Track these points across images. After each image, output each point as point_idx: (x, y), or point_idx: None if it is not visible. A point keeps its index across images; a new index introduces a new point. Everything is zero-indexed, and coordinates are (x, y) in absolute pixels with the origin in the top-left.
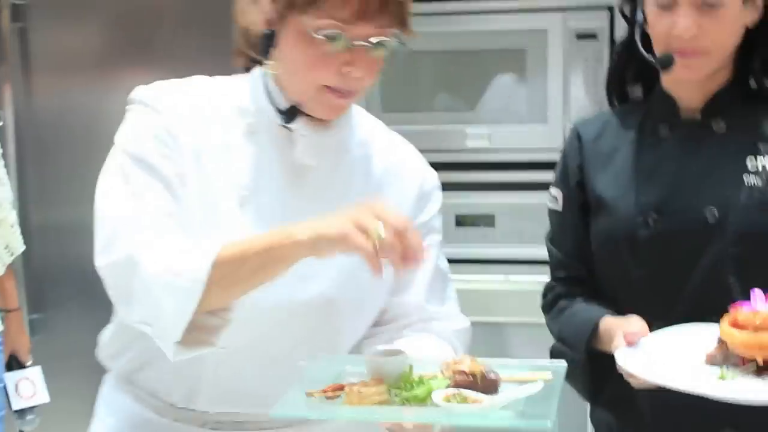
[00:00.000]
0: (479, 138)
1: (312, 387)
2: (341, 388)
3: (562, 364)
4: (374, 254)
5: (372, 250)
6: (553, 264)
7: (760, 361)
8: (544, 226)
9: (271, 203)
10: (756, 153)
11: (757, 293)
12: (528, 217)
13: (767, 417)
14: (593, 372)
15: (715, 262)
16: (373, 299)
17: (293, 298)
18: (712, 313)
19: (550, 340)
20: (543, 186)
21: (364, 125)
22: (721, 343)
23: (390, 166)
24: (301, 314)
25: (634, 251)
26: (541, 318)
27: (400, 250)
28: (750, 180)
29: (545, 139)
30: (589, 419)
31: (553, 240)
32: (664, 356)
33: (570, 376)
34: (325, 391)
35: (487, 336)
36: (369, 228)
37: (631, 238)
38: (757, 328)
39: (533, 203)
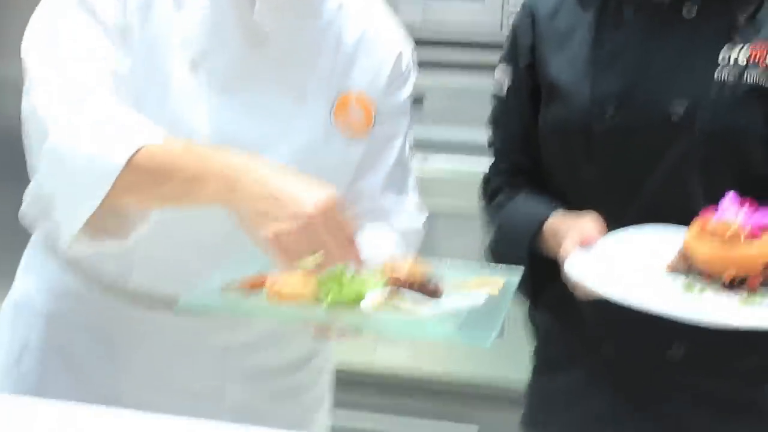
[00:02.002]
0: (411, 13)
1: (235, 276)
2: (263, 281)
3: (516, 271)
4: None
5: (292, 268)
6: (495, 152)
7: (726, 279)
8: (477, 109)
9: (225, 69)
10: (729, 43)
11: (729, 198)
12: (460, 99)
13: (719, 334)
14: (534, 274)
15: (678, 163)
16: (333, 182)
17: None
18: (670, 221)
19: (479, 232)
20: (477, 67)
21: None
22: (685, 253)
23: (364, 37)
24: None
25: (588, 146)
26: (467, 208)
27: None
28: (721, 74)
29: (482, 17)
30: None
31: (495, 125)
32: (619, 264)
33: None
34: (244, 284)
35: None
36: (300, 259)
37: (585, 131)
38: (727, 241)
39: (466, 84)
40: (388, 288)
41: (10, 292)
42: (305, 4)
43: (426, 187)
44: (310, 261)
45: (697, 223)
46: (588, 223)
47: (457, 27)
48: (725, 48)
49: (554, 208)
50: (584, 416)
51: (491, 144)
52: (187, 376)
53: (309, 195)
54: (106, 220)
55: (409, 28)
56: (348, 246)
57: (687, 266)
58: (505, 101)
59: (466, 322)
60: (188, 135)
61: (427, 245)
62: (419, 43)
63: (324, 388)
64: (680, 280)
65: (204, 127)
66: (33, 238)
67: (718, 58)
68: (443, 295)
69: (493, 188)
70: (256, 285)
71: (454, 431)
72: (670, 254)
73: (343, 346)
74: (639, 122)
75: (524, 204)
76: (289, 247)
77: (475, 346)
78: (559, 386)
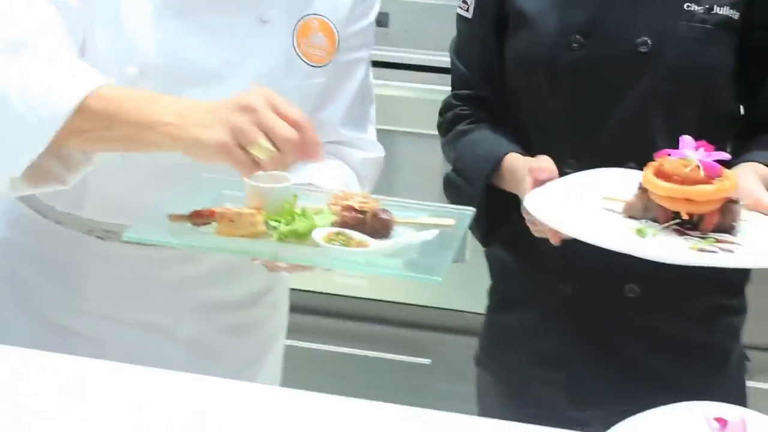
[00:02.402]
0: None
1: (182, 209)
2: (212, 214)
3: (468, 211)
4: (254, 169)
5: (252, 168)
6: (456, 79)
7: (684, 215)
8: (443, 30)
9: None
10: None
11: (686, 140)
12: (425, 19)
13: (673, 276)
14: (490, 211)
15: (642, 98)
16: None
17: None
18: (632, 159)
19: (439, 155)
20: None
21: None
22: (642, 192)
23: None
24: None
25: (553, 78)
26: (430, 129)
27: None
28: (691, 7)
29: None
30: None
31: (458, 51)
32: (577, 203)
33: None
34: (192, 216)
35: None
36: (251, 145)
37: (550, 63)
38: (684, 179)
39: (432, 3)
40: (339, 220)
41: None
42: None
43: (390, 107)
44: (263, 145)
45: (653, 164)
46: (546, 161)
47: None
48: None
49: (512, 146)
50: (538, 354)
51: (453, 69)
52: (139, 308)
53: (245, 94)
54: (48, 165)
55: None
56: (297, 126)
57: (643, 207)
58: (470, 26)
59: (418, 257)
60: (142, 60)
61: (390, 166)
62: None
63: (280, 321)
64: (635, 224)
65: (158, 52)
66: None
67: None
68: (395, 231)
69: (451, 118)
70: (204, 216)
71: (406, 364)
72: (626, 197)
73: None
74: (605, 54)
75: (483, 138)
76: (239, 138)
77: (425, 282)
78: (513, 324)
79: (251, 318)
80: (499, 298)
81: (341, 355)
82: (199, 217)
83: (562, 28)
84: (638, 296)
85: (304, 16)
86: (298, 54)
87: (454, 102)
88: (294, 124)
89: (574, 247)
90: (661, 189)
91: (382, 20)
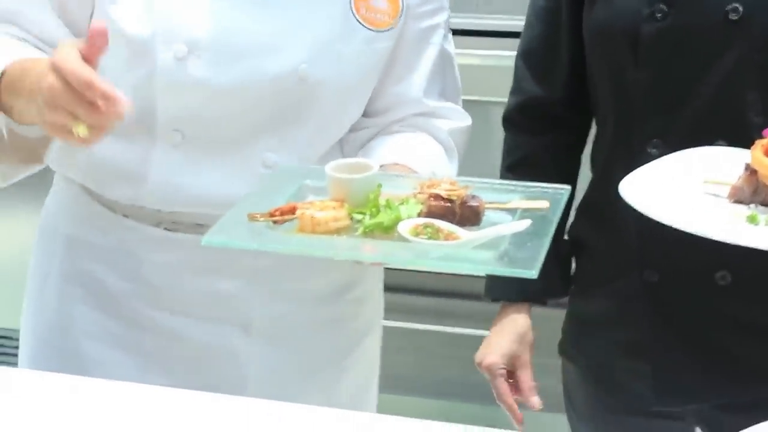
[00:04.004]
0: None
1: (261, 206)
2: (293, 210)
3: (563, 190)
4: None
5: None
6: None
7: None
8: None
9: None
10: None
11: None
12: None
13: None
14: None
15: (733, 70)
16: (359, 81)
17: (256, 74)
18: (722, 137)
19: None
20: None
21: None
22: (751, 173)
23: None
24: (267, 95)
25: (635, 50)
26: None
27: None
28: None
29: None
30: None
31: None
32: (677, 189)
33: None
34: (273, 214)
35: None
36: (68, 127)
37: (632, 34)
38: None
39: None
40: (426, 210)
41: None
42: None
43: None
44: (80, 127)
45: (762, 142)
46: None
47: None
48: None
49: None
50: (622, 343)
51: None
52: (210, 302)
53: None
54: (12, 153)
55: None
56: (86, 88)
57: (753, 190)
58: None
59: (511, 248)
60: (190, 39)
61: (489, 140)
62: None
63: (371, 317)
64: (744, 210)
65: (208, 27)
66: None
67: None
68: (486, 217)
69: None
70: (285, 213)
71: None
72: (733, 178)
73: None
74: (693, 23)
75: None
76: (54, 124)
77: (520, 276)
78: (594, 311)
79: (335, 314)
80: (580, 282)
81: (440, 334)
82: (280, 215)
83: None
84: (730, 284)
85: None
86: (357, 19)
87: (514, 117)
88: (86, 86)
89: (658, 229)
90: None
91: None
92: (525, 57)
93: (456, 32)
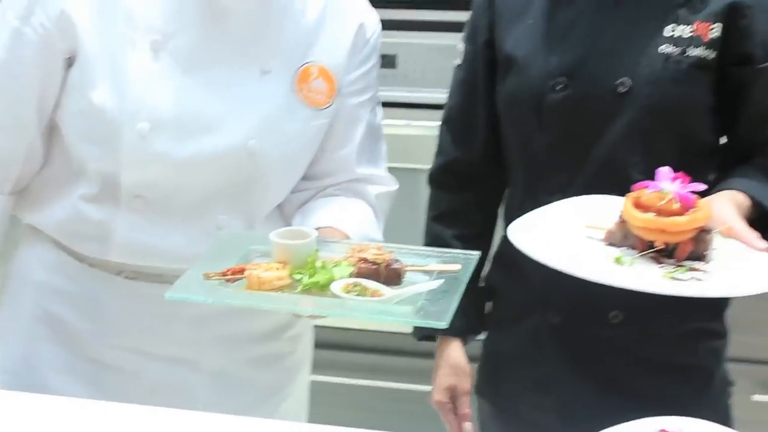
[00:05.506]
0: None
1: (215, 267)
2: (242, 270)
3: (473, 255)
4: None
5: None
6: (441, 136)
7: (659, 244)
8: (449, 68)
9: (188, 50)
10: (675, 20)
11: (662, 172)
12: (432, 59)
13: (654, 303)
14: None
15: (621, 135)
16: (300, 153)
17: (211, 148)
18: (613, 191)
19: None
20: (447, 26)
21: None
22: (622, 221)
23: (327, 9)
24: (219, 166)
25: (539, 117)
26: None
27: None
28: (666, 49)
29: None
30: None
31: (446, 110)
32: (561, 232)
33: None
34: (225, 273)
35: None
36: None
37: (537, 102)
38: (660, 211)
39: (437, 44)
40: (356, 271)
41: (9, 263)
42: None
43: (412, 146)
44: None
45: (632, 195)
46: None
47: None
48: (670, 23)
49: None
50: (530, 380)
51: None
52: (165, 341)
53: None
54: None
55: None
56: None
57: (623, 235)
58: (459, 72)
59: (427, 304)
60: (153, 117)
61: (416, 205)
62: (390, 4)
63: (303, 354)
64: (614, 252)
65: (169, 108)
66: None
67: (664, 33)
68: (407, 278)
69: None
70: (235, 273)
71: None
72: (610, 224)
73: None
74: (587, 94)
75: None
76: None
77: (433, 327)
78: (507, 351)
79: (274, 350)
80: (494, 324)
81: (368, 388)
82: (231, 274)
83: (548, 71)
84: (622, 322)
85: (303, 64)
86: (298, 99)
87: (438, 176)
88: None
89: (559, 276)
90: (637, 220)
91: (389, 62)
92: (447, 124)
93: (387, 104)
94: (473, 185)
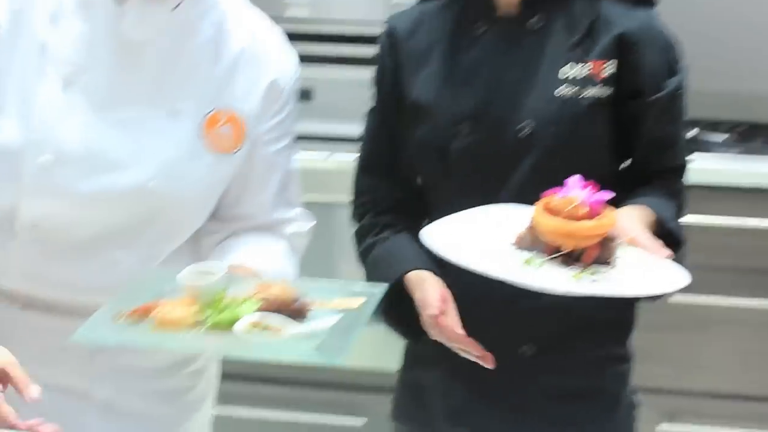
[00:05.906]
0: (299, 6)
1: (126, 305)
2: (150, 310)
3: (376, 290)
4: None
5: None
6: (358, 169)
7: (566, 248)
8: (365, 102)
9: (99, 86)
10: (571, 59)
11: (572, 180)
12: (348, 93)
13: (568, 334)
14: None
15: (526, 177)
16: (201, 197)
17: (111, 185)
18: None
19: None
20: (364, 61)
21: (225, 6)
22: (532, 226)
23: (247, 50)
24: (118, 203)
25: (445, 163)
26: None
27: None
28: (563, 91)
29: (368, 12)
30: None
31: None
32: (471, 236)
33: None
34: (132, 313)
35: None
36: None
37: (443, 149)
38: (567, 216)
39: (354, 78)
40: (259, 312)
41: None
42: (182, 21)
43: (328, 180)
44: None
45: (543, 201)
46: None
47: (343, 22)
48: (566, 64)
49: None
50: (446, 410)
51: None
52: (56, 371)
53: None
54: None
55: (297, 24)
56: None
57: (532, 240)
58: (373, 114)
59: (327, 340)
60: (58, 149)
61: (332, 238)
62: (307, 38)
63: (206, 387)
64: (524, 255)
65: (75, 142)
66: None
67: (560, 75)
68: (310, 314)
69: (361, 228)
70: (145, 312)
71: (341, 423)
72: (520, 229)
73: None
74: (491, 140)
75: (388, 252)
76: None
77: (330, 364)
78: (423, 381)
79: (170, 386)
80: (410, 356)
81: (275, 422)
82: (139, 313)
83: (452, 118)
84: (533, 354)
85: (212, 109)
86: (204, 144)
87: (359, 208)
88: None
89: (474, 310)
90: (545, 225)
91: (306, 95)
92: (363, 171)
93: (303, 138)
94: (395, 224)
